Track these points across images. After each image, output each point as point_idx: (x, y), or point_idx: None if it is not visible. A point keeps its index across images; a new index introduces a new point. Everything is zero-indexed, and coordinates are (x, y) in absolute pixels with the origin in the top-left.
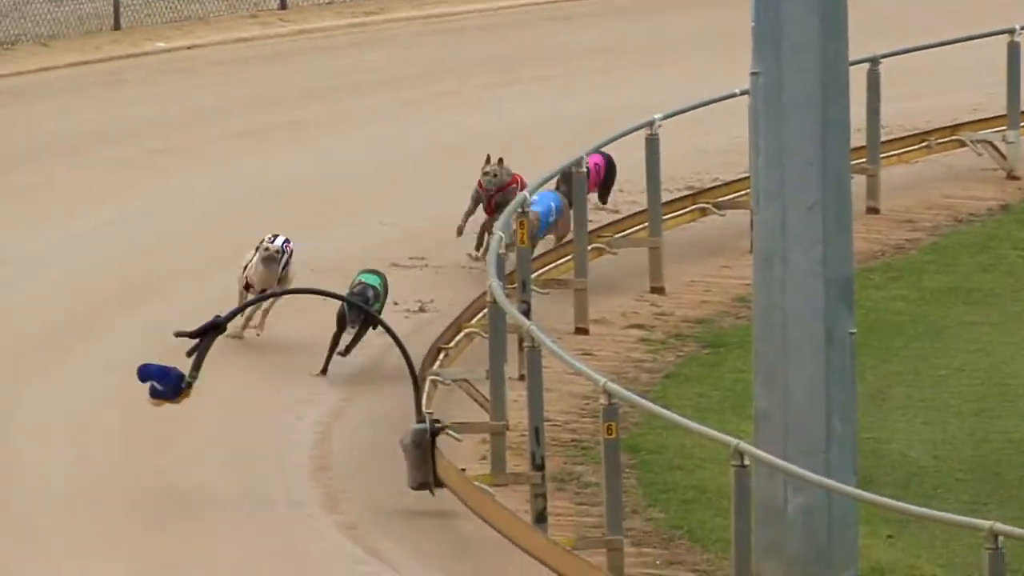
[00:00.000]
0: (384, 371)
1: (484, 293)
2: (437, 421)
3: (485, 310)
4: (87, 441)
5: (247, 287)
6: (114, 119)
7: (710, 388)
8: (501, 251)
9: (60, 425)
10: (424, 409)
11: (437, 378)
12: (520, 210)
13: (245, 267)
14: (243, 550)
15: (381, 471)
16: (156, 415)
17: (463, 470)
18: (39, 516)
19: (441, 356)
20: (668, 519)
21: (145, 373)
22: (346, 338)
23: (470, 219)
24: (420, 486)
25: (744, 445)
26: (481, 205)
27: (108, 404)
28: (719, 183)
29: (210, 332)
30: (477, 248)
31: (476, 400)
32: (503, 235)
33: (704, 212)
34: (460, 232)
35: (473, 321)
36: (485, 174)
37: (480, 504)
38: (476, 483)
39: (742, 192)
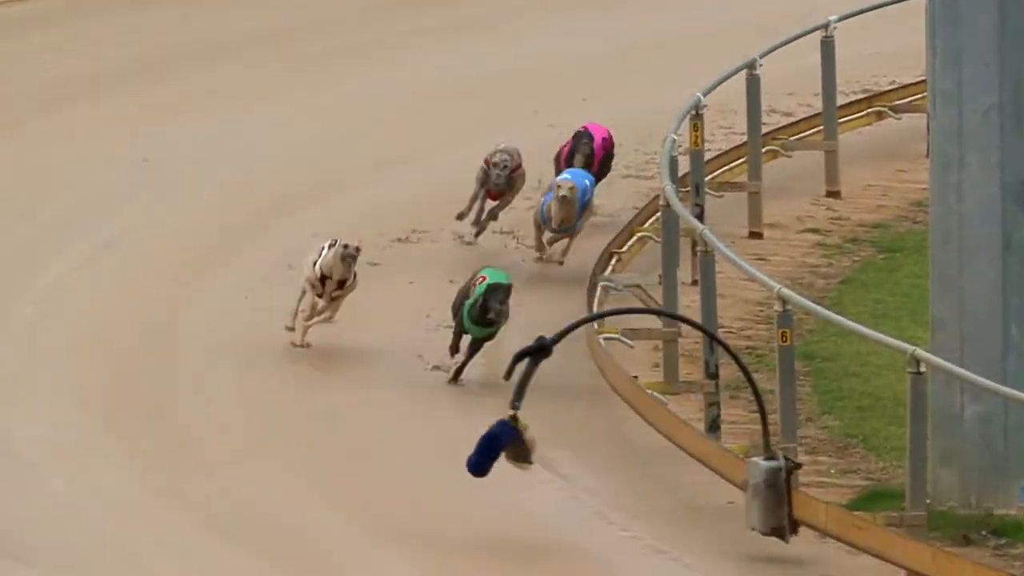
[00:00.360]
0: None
1: (657, 197)
2: (789, 458)
3: (658, 214)
4: (250, 351)
5: (322, 280)
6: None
7: (886, 294)
8: (674, 153)
9: (223, 332)
10: (773, 445)
11: (609, 284)
12: (695, 111)
13: (314, 263)
14: (413, 461)
15: (548, 387)
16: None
17: (635, 378)
18: (198, 426)
19: (613, 261)
20: (843, 427)
21: (480, 464)
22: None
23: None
24: (773, 531)
25: (920, 352)
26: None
27: (273, 311)
28: (895, 86)
29: (536, 355)
30: (476, 236)
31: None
32: (675, 136)
33: (880, 115)
34: (461, 217)
35: (646, 225)
36: (494, 165)
37: (652, 412)
38: (648, 391)
39: (919, 95)
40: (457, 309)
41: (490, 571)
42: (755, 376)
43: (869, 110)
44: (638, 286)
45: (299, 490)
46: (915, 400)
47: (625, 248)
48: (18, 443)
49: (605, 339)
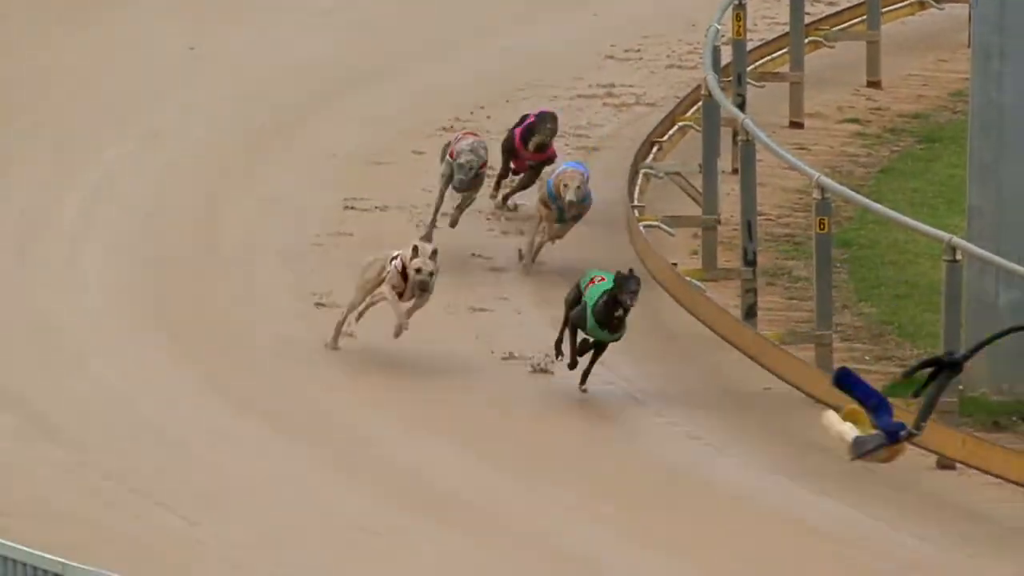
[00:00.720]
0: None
1: (698, 87)
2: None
3: (699, 104)
4: (290, 244)
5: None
6: None
7: (924, 183)
8: (717, 43)
9: (266, 224)
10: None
11: (650, 171)
12: (738, 1)
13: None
14: (452, 351)
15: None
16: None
17: (674, 264)
18: (239, 315)
19: (655, 149)
20: (878, 314)
21: (847, 380)
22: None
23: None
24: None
25: (957, 240)
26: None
27: (326, 189)
28: None
29: (943, 371)
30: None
31: (688, 194)
32: (718, 26)
33: (923, 5)
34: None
35: (687, 115)
36: (460, 167)
37: (690, 299)
38: (687, 278)
39: None
40: (571, 311)
41: (528, 454)
42: (792, 265)
43: (912, 0)
44: (678, 173)
45: (338, 381)
46: (950, 287)
47: (666, 137)
48: (61, 329)
49: (646, 227)
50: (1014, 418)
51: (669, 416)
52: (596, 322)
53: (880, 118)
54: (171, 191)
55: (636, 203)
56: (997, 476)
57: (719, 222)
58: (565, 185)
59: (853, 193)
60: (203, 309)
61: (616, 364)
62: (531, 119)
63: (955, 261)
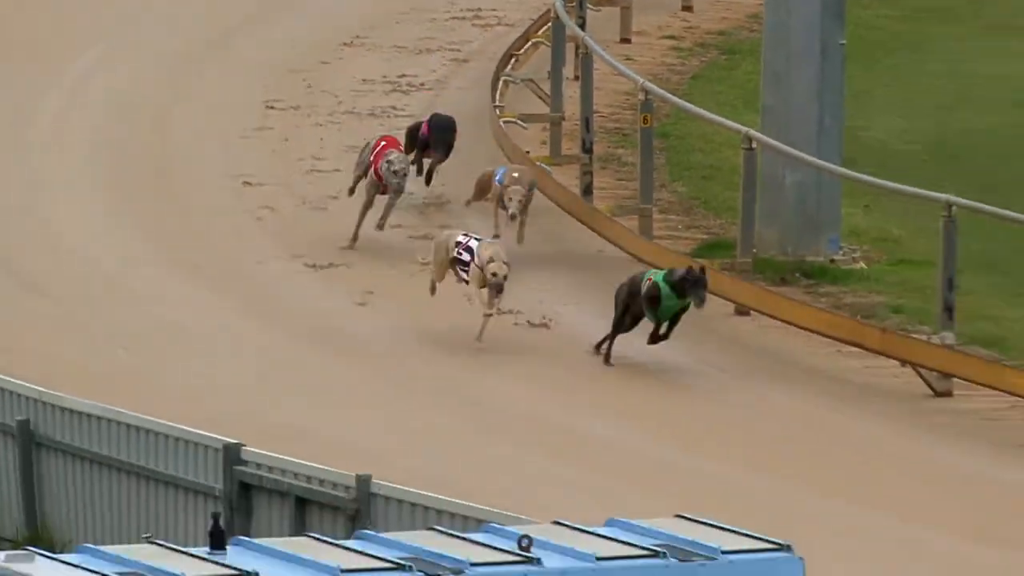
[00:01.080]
0: None
1: (548, 10)
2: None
3: (549, 24)
4: (237, 132)
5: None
6: None
7: (726, 87)
8: None
9: (217, 116)
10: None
11: (509, 78)
12: None
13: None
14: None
15: (458, 155)
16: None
17: (527, 152)
18: (189, 190)
19: (512, 61)
20: (688, 192)
21: None
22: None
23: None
24: None
25: (753, 132)
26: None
27: (262, 101)
28: None
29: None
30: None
31: (539, 96)
32: None
33: None
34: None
35: (539, 33)
36: (394, 174)
37: (540, 179)
38: (538, 163)
39: None
40: (626, 301)
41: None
42: (621, 153)
43: None
44: (531, 80)
45: (274, 252)
46: (747, 171)
47: (522, 51)
48: (46, 216)
49: (505, 122)
50: (797, 275)
51: (518, 273)
52: (670, 295)
53: (692, 35)
54: (133, 94)
55: (497, 104)
56: (783, 320)
57: (563, 118)
58: (510, 199)
59: (670, 95)
60: (157, 184)
61: (473, 225)
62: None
63: (751, 149)
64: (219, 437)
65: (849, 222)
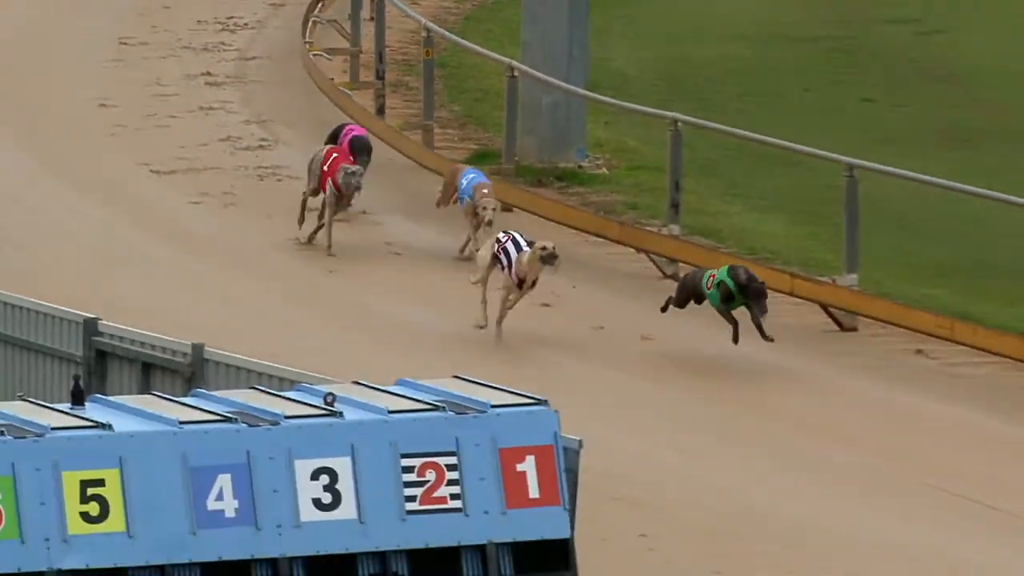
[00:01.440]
0: None
1: None
2: None
3: None
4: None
5: (519, 283)
6: None
7: (494, 26)
8: None
9: (74, 54)
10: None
11: (317, 19)
12: None
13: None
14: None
15: (271, 82)
16: None
17: (331, 79)
18: (59, 115)
19: (320, 5)
20: (463, 111)
21: None
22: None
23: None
24: None
25: (515, 63)
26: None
27: (112, 42)
28: None
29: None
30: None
31: (342, 34)
32: None
33: None
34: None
35: None
36: (353, 175)
37: (342, 101)
38: (340, 88)
39: None
40: (690, 292)
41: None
42: (408, 80)
43: None
44: (335, 21)
45: (126, 160)
46: (510, 94)
47: None
48: None
49: (314, 55)
50: (551, 178)
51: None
52: (734, 289)
53: None
54: (7, 37)
55: (307, 39)
56: (540, 215)
57: (361, 52)
58: (484, 208)
59: (448, 33)
60: (30, 106)
61: (280, 132)
62: (349, 136)
63: (513, 77)
64: (80, 313)
65: (593, 135)
